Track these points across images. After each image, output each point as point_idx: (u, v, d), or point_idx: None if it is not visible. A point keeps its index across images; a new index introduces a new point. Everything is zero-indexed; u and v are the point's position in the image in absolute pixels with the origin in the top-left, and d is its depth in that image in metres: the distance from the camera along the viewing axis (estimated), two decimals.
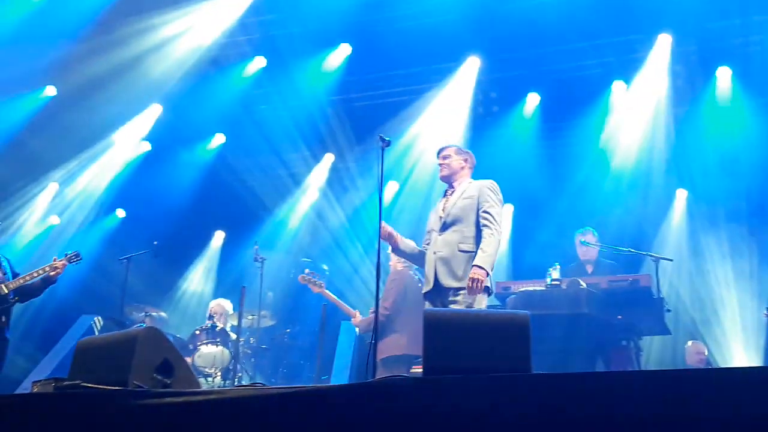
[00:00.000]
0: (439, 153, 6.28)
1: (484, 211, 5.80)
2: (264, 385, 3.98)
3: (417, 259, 6.20)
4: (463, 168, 6.18)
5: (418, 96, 10.53)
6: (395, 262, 7.77)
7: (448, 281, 5.73)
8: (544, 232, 10.18)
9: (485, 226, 5.76)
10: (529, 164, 10.51)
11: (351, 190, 11.39)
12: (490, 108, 10.73)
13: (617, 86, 10.00)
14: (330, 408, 3.61)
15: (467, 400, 3.51)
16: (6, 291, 6.89)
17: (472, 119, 10.58)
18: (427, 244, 6.05)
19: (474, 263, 5.59)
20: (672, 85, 9.67)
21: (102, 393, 3.65)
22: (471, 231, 5.82)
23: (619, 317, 6.94)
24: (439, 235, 5.91)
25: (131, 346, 3.97)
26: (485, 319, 3.96)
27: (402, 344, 7.34)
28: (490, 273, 5.63)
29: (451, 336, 3.83)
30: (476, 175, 6.20)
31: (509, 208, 11.24)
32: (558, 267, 7.15)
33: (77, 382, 3.81)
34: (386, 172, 9.87)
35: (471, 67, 10.23)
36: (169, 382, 4.09)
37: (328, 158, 11.61)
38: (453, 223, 5.88)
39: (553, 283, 7.00)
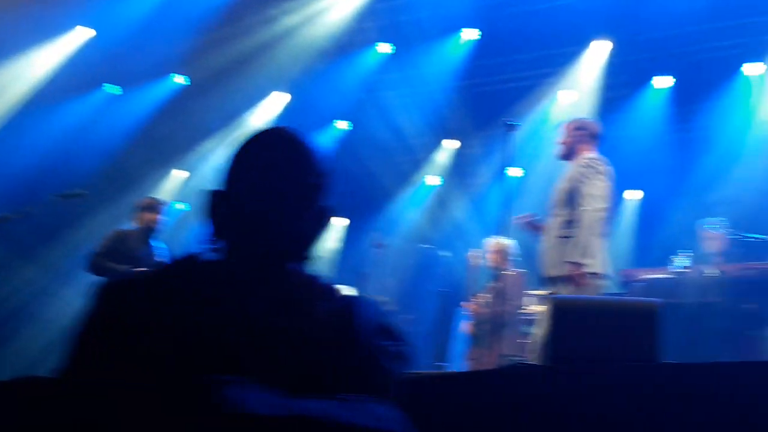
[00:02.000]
0: (557, 129, 5.88)
1: (580, 192, 5.37)
2: None
3: None
4: (577, 143, 5.64)
5: (545, 80, 10.38)
6: (499, 263, 7.53)
7: (548, 270, 5.46)
8: (673, 219, 9.88)
9: (580, 207, 5.33)
10: (660, 149, 10.22)
11: (474, 177, 11.33)
12: (620, 91, 10.46)
13: (752, 68, 9.57)
14: (454, 392, 3.62)
15: (592, 388, 3.47)
16: None
17: (601, 103, 10.36)
18: None
19: (565, 260, 5.27)
20: None
21: None
22: (570, 214, 5.41)
23: (750, 306, 6.64)
24: (547, 221, 5.65)
25: None
26: (612, 306, 3.89)
27: (513, 345, 7.07)
28: (586, 261, 5.20)
29: (577, 322, 3.78)
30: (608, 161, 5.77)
31: (638, 194, 10.98)
32: (685, 254, 6.90)
33: None
34: (510, 159, 9.87)
35: (600, 50, 10.03)
36: None
37: (452, 144, 11.59)
38: (554, 207, 5.55)
39: (680, 270, 6.77)
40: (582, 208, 5.33)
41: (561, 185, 5.58)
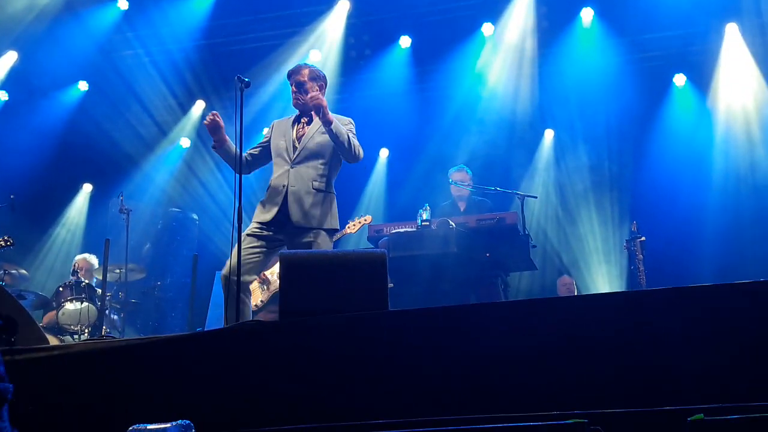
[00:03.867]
0: (291, 75, 5.62)
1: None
2: (114, 338, 3.87)
3: (235, 164, 5.36)
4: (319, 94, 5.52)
5: (289, 40, 10.26)
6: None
7: (300, 220, 5.30)
8: (418, 174, 10.24)
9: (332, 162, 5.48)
10: (402, 107, 10.51)
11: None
12: (363, 51, 10.59)
13: (486, 28, 10.02)
14: (178, 356, 3.49)
15: (323, 340, 3.46)
16: None
17: (345, 63, 10.43)
18: (254, 153, 5.66)
19: (320, 213, 5.32)
20: (537, 26, 9.76)
21: None
22: (326, 169, 5.44)
23: (487, 255, 7.02)
24: (292, 167, 5.43)
25: None
26: (342, 259, 3.90)
27: None
28: (332, 127, 5.26)
29: (308, 277, 3.76)
30: (354, 120, 5.72)
31: (384, 153, 11.25)
32: (428, 208, 7.15)
33: None
34: (258, 120, 9.73)
35: (341, 10, 10.06)
36: (12, 339, 3.90)
37: (198, 105, 11.22)
38: (309, 158, 5.43)
39: (424, 224, 7.01)
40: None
41: (318, 137, 5.48)
